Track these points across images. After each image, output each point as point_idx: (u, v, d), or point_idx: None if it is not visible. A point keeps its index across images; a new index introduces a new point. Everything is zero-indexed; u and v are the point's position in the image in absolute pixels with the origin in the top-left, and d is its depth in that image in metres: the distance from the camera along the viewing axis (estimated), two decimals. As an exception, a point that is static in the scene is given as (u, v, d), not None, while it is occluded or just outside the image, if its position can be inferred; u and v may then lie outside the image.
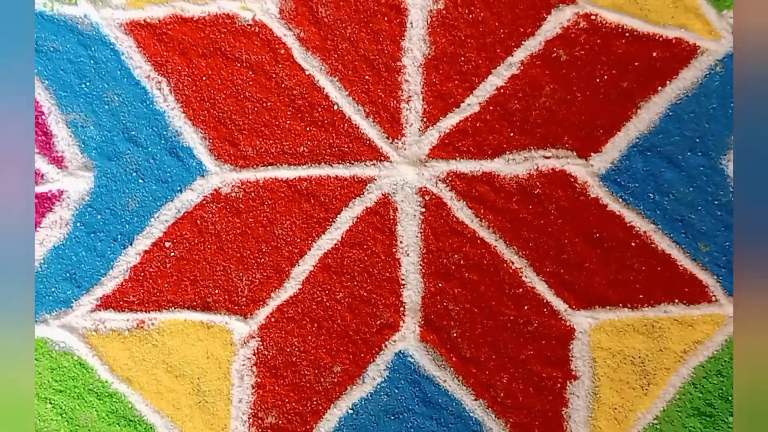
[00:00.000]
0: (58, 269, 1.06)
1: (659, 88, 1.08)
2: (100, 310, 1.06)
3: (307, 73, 1.07)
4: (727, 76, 1.09)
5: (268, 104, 1.07)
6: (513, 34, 1.09)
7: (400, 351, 1.06)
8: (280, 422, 1.01)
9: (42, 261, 1.05)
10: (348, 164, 1.06)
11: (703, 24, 1.10)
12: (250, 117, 1.06)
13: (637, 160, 1.07)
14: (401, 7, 1.08)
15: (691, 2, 1.11)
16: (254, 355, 1.04)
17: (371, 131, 1.06)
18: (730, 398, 1.07)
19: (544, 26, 1.09)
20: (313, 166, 1.06)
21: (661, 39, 1.10)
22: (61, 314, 1.04)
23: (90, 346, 1.04)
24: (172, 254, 1.05)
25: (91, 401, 1.03)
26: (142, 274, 1.05)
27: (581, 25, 1.09)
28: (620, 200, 1.08)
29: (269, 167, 1.06)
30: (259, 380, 1.03)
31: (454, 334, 1.05)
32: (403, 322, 1.06)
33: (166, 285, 1.05)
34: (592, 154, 1.08)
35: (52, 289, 1.07)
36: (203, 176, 1.07)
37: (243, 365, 1.03)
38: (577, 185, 1.07)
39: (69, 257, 1.06)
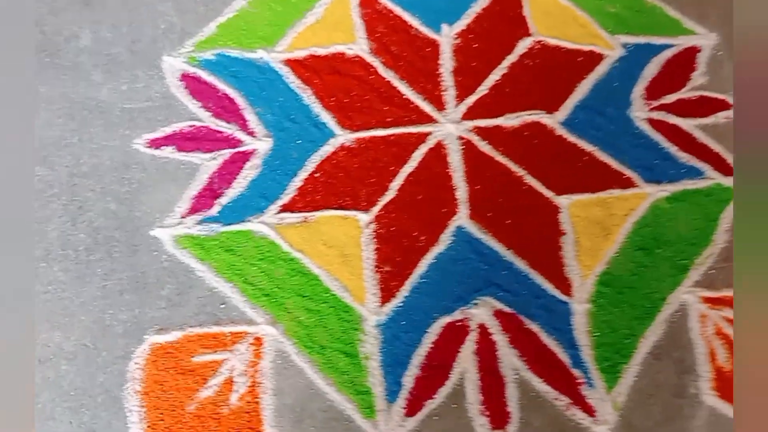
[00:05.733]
0: (255, 192, 1.56)
1: (586, 75, 1.73)
2: (281, 212, 1.54)
3: (387, 79, 1.70)
4: (621, 68, 1.75)
5: (367, 97, 1.67)
6: (501, 53, 1.74)
7: (458, 225, 1.55)
8: (393, 269, 1.51)
9: (244, 189, 1.55)
10: (416, 125, 1.65)
11: (604, 42, 1.77)
12: (358, 104, 1.66)
13: (580, 113, 1.68)
14: (436, 43, 1.76)
15: (594, 31, 1.78)
16: (373, 232, 1.53)
17: (427, 108, 1.67)
18: (656, 238, 1.55)
19: (517, 47, 1.75)
20: (396, 127, 1.65)
21: (582, 50, 1.76)
22: (258, 216, 1.53)
23: (277, 232, 1.52)
24: (319, 178, 1.59)
25: (280, 263, 1.49)
26: (304, 191, 1.57)
27: (536, 47, 1.76)
28: (574, 135, 1.66)
29: (371, 130, 1.64)
30: (377, 246, 1.52)
31: (489, 214, 1.57)
32: (459, 209, 1.57)
33: (318, 196, 1.56)
34: (554, 111, 1.69)
35: (253, 204, 1.54)
36: (334, 137, 1.63)
37: (367, 238, 1.53)
38: (548, 128, 1.67)
39: (261, 185, 1.56)
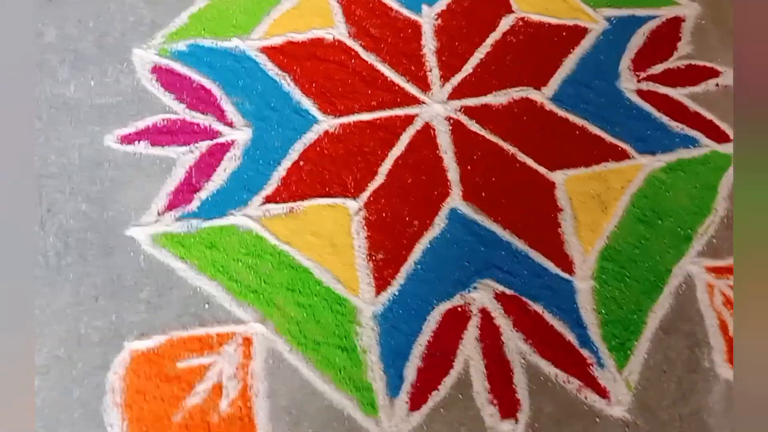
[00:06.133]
0: (237, 184, 1.47)
1: (571, 49, 1.70)
2: (265, 204, 1.46)
3: (369, 62, 1.64)
4: (606, 41, 1.72)
5: (349, 81, 1.61)
6: (483, 31, 1.71)
7: (452, 207, 1.48)
8: (386, 256, 1.42)
9: (224, 182, 1.47)
10: (402, 107, 1.59)
11: (587, 16, 1.75)
12: (340, 89, 1.60)
13: (568, 88, 1.65)
14: (417, 24, 1.72)
15: (577, 5, 1.76)
16: (363, 219, 1.46)
17: (412, 89, 1.62)
18: (655, 210, 1.50)
19: (500, 25, 1.72)
20: (381, 111, 1.59)
21: (566, 25, 1.73)
22: (241, 209, 1.44)
23: (262, 225, 1.43)
24: (304, 166, 1.50)
25: (266, 258, 1.40)
26: (288, 181, 1.49)
27: (519, 23, 1.72)
28: (563, 109, 1.62)
29: (355, 114, 1.58)
30: (369, 234, 1.44)
31: (483, 194, 1.50)
32: (451, 191, 1.50)
33: (303, 185, 1.48)
34: (541, 87, 1.65)
35: (235, 197, 1.46)
36: (317, 123, 1.56)
37: (357, 226, 1.45)
38: (537, 104, 1.63)
39: (242, 176, 1.48)
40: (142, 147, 1.51)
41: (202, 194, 1.47)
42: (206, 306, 1.37)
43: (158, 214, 1.45)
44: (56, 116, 1.53)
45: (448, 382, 1.34)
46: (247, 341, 1.35)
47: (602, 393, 1.34)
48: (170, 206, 1.46)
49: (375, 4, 1.72)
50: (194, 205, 1.46)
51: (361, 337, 1.36)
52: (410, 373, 1.34)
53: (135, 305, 1.36)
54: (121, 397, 1.29)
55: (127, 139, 1.52)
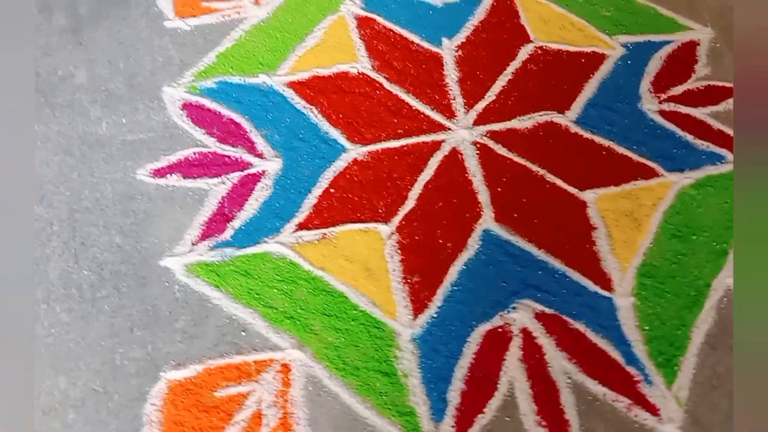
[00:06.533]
0: (269, 212, 1.48)
1: (591, 74, 1.72)
2: (297, 231, 1.45)
3: (393, 93, 1.67)
4: (625, 66, 1.74)
5: (375, 111, 1.64)
6: (504, 60, 1.74)
7: (485, 229, 1.47)
8: (422, 279, 1.41)
9: (256, 211, 1.47)
10: (428, 134, 1.61)
11: (604, 43, 1.78)
12: (366, 119, 1.62)
13: (591, 111, 1.66)
14: (438, 56, 1.75)
15: (593, 34, 1.79)
16: (396, 243, 1.45)
17: (437, 117, 1.64)
18: (689, 225, 1.49)
19: (519, 54, 1.75)
20: (408, 138, 1.60)
21: (584, 52, 1.76)
22: (274, 237, 1.44)
23: (295, 252, 1.42)
24: (334, 193, 1.51)
25: (301, 284, 1.39)
26: (320, 207, 1.49)
27: (538, 52, 1.76)
28: (588, 131, 1.63)
29: (383, 142, 1.60)
30: (402, 257, 1.43)
31: (515, 215, 1.49)
32: (483, 213, 1.50)
33: (334, 212, 1.48)
34: (565, 111, 1.67)
35: (267, 225, 1.46)
36: (346, 152, 1.58)
37: (391, 249, 1.44)
38: (562, 127, 1.64)
39: (274, 205, 1.49)
40: (174, 180, 1.53)
41: (235, 223, 1.47)
42: (243, 334, 1.35)
43: (192, 244, 1.45)
44: (89, 153, 1.55)
45: (494, 404, 1.30)
46: (286, 368, 1.32)
47: (653, 411, 1.30)
48: (204, 236, 1.46)
49: (396, 38, 1.77)
50: (227, 234, 1.46)
51: (401, 361, 1.33)
52: (454, 396, 1.30)
53: (171, 335, 1.34)
54: (159, 429, 1.25)
55: (159, 173, 1.54)
